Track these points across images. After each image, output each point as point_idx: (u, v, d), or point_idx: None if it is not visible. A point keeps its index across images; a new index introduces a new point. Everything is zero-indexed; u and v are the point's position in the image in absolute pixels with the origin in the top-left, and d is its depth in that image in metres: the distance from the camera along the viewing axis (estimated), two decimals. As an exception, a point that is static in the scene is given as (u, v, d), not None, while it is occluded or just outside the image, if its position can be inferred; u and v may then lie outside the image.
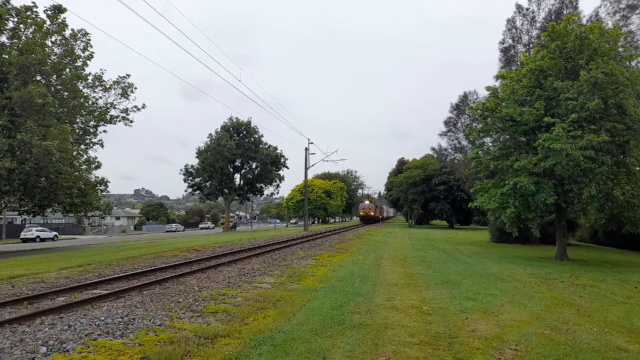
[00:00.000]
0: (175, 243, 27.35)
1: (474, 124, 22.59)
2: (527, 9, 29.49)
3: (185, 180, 61.91)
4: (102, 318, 6.87)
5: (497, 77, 19.27)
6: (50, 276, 11.77)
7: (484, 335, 6.20)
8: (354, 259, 15.89)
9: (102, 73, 28.94)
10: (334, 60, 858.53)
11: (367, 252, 19.03)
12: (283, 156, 62.97)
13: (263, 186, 64.21)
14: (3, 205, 25.83)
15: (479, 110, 18.18)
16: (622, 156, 15.43)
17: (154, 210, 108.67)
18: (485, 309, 7.83)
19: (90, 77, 28.02)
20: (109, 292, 8.88)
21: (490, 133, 18.08)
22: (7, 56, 22.37)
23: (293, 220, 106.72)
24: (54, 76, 25.29)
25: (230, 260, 14.82)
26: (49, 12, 24.71)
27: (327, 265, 14.01)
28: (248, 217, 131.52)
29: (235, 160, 60.26)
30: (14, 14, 23.20)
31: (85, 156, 26.62)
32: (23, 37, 23.59)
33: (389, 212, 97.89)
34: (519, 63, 22.81)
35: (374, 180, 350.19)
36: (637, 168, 15.90)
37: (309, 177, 59.50)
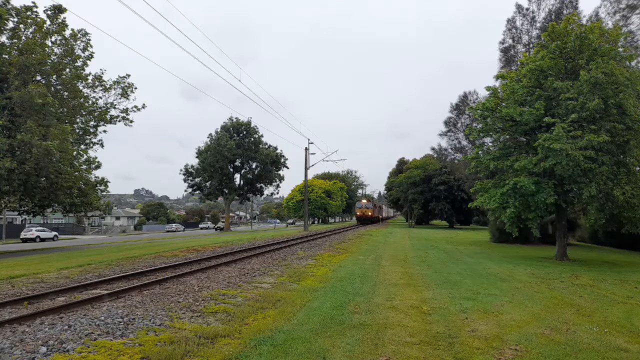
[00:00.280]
0: (175, 243, 27.35)
1: (474, 124, 22.59)
2: (527, 9, 29.50)
3: (185, 180, 62.02)
4: (102, 318, 6.87)
5: (497, 77, 19.28)
6: (50, 276, 11.77)
7: (484, 335, 6.20)
8: (354, 259, 15.89)
9: (102, 73, 28.95)
10: (334, 60, 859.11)
11: (367, 252, 19.03)
12: (283, 156, 63.02)
13: (263, 186, 64.24)
14: (3, 205, 25.83)
15: (479, 110, 18.18)
16: (622, 156, 15.43)
17: (154, 210, 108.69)
18: (485, 309, 7.82)
19: (90, 77, 28.01)
20: (109, 292, 8.87)
21: (490, 133, 18.09)
22: (7, 56, 22.37)
23: (290, 220, 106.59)
24: (54, 76, 25.28)
25: (230, 260, 14.82)
26: (49, 12, 24.70)
27: (327, 265, 14.01)
28: (248, 217, 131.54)
29: (235, 160, 60.27)
30: (14, 14, 23.20)
31: (85, 156, 26.60)
32: (23, 37, 23.59)
33: (388, 212, 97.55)
34: (519, 63, 22.80)
35: (374, 180, 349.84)
36: (637, 168, 15.91)
37: (309, 177, 59.55)
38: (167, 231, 73.31)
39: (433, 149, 46.60)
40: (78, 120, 28.03)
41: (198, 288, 9.64)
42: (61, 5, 24.74)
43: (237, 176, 63.02)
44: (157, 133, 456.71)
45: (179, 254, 17.76)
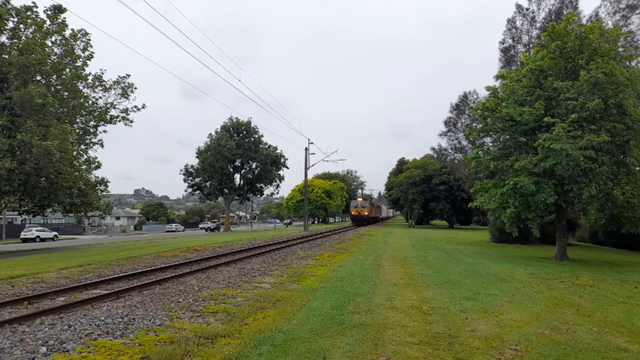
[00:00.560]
0: (175, 243, 27.35)
1: (474, 124, 22.59)
2: (527, 9, 29.51)
3: (185, 180, 62.04)
4: (102, 318, 6.87)
5: (497, 77, 19.28)
6: (50, 276, 11.77)
7: (484, 335, 6.20)
8: (354, 259, 15.89)
9: (102, 73, 28.91)
10: (334, 60, 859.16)
11: (367, 252, 19.03)
12: (283, 156, 63.02)
13: (263, 186, 64.25)
14: (3, 205, 25.83)
15: (479, 110, 18.18)
16: (622, 156, 15.43)
17: (154, 210, 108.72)
18: (485, 309, 7.82)
19: (90, 77, 27.99)
20: (109, 292, 8.87)
21: (490, 133, 18.09)
22: (7, 56, 22.36)
23: (287, 220, 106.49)
24: (54, 76, 25.27)
25: (230, 260, 14.82)
26: (49, 12, 24.69)
27: (327, 265, 14.01)
28: (248, 217, 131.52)
29: (235, 160, 60.28)
30: (14, 14, 23.20)
31: (85, 156, 26.58)
32: (23, 37, 23.59)
33: (388, 212, 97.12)
34: (519, 63, 22.81)
35: (374, 180, 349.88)
36: (637, 168, 15.91)
37: (309, 177, 59.52)
38: (167, 231, 73.31)
39: (433, 149, 46.68)
40: (78, 120, 28.02)
41: (198, 288, 9.64)
42: (61, 5, 24.74)
43: (237, 176, 63.07)
44: (157, 133, 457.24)
45: (179, 254, 17.76)
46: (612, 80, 14.45)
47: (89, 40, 26.73)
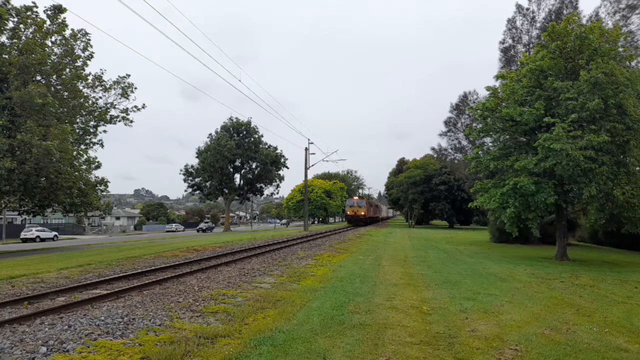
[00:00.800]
0: (175, 243, 27.35)
1: (474, 124, 22.60)
2: (527, 9, 29.52)
3: (185, 180, 62.08)
4: (102, 318, 6.87)
5: (497, 77, 19.29)
6: (50, 276, 11.77)
7: (484, 335, 6.20)
8: (354, 259, 15.89)
9: (102, 73, 28.93)
10: (334, 60, 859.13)
11: (367, 252, 19.03)
12: (283, 156, 63.05)
13: (263, 186, 64.28)
14: (3, 205, 25.82)
15: (479, 110, 18.18)
16: (622, 156, 15.43)
17: (154, 210, 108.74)
18: (485, 309, 7.82)
19: (90, 77, 28.00)
20: (109, 292, 8.87)
21: (490, 133, 18.09)
22: (7, 56, 22.36)
23: (284, 220, 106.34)
24: (54, 76, 25.27)
25: (230, 260, 14.82)
26: (49, 12, 24.69)
27: (327, 265, 14.01)
28: (248, 217, 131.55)
29: (235, 160, 60.31)
30: (14, 14, 23.19)
31: (85, 156, 26.59)
32: (23, 37, 23.58)
33: (388, 212, 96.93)
34: (519, 63, 22.81)
35: (374, 180, 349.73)
36: (637, 168, 15.91)
37: (309, 177, 59.52)
38: (167, 231, 73.31)
39: (433, 149, 46.72)
40: (78, 120, 28.02)
41: (198, 288, 9.64)
42: (61, 5, 24.74)
43: (237, 176, 63.11)
44: (157, 133, 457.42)
45: (179, 254, 17.76)
46: (612, 80, 14.45)
47: (89, 40, 26.76)
